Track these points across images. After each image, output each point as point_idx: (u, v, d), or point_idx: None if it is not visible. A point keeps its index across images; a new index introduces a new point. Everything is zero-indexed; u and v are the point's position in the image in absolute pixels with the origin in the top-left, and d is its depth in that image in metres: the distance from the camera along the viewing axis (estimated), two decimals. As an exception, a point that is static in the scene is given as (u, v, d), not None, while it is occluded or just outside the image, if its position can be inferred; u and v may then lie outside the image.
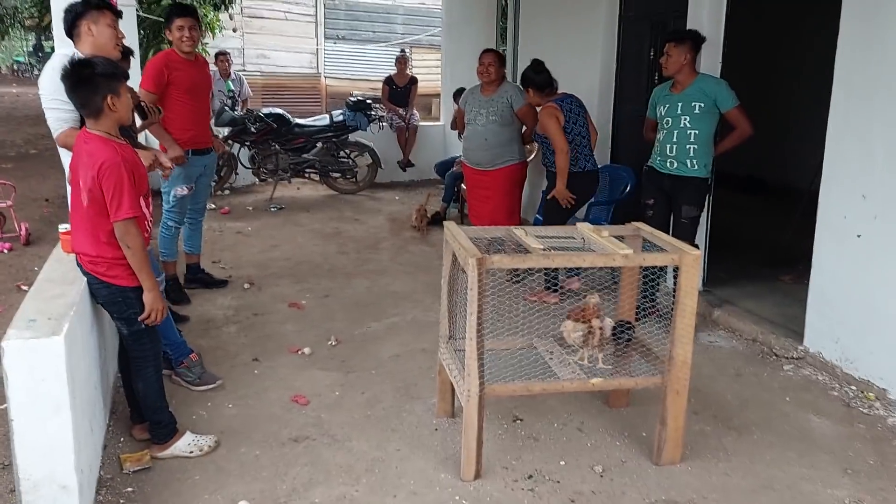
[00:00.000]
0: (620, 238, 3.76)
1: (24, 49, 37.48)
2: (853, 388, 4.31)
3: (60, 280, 3.44)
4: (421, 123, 11.03)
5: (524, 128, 6.13)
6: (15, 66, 37.79)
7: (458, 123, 6.49)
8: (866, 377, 4.26)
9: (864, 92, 4.18)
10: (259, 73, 18.93)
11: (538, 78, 5.79)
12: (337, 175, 9.68)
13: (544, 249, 3.34)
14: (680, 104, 4.94)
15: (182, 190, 5.31)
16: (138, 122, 4.73)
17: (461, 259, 3.28)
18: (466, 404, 3.26)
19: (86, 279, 3.35)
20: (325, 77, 19.91)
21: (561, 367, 3.55)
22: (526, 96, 5.95)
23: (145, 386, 3.49)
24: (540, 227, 3.91)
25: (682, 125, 4.93)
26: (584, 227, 3.71)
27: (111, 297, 3.34)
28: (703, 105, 4.86)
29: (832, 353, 4.49)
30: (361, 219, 8.54)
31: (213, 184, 9.32)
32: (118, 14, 4.13)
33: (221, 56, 10.29)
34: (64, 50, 4.03)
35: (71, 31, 3.97)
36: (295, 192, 10.00)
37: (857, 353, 4.33)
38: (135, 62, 6.26)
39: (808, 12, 8.81)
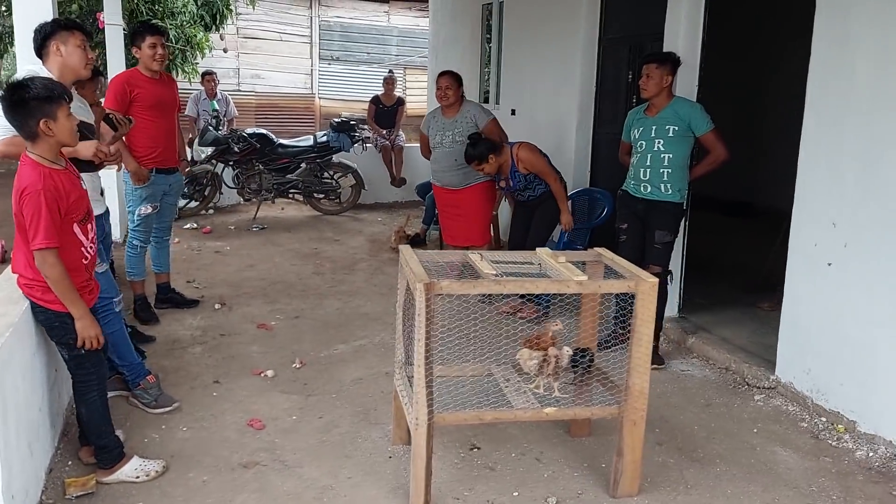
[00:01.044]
0: (581, 264, 3.69)
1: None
2: (823, 419, 4.21)
3: (5, 300, 3.37)
4: (408, 145, 10.99)
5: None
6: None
7: (422, 148, 6.44)
8: (836, 409, 4.17)
9: (834, 118, 4.13)
10: (253, 94, 18.93)
11: (484, 146, 5.65)
12: (320, 196, 9.64)
13: (496, 275, 3.26)
14: (654, 127, 4.87)
15: (146, 209, 5.25)
16: (107, 135, 4.65)
17: (410, 284, 3.21)
18: (415, 433, 3.17)
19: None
20: (320, 98, 19.90)
21: (516, 395, 3.46)
22: (489, 114, 6.06)
23: (88, 411, 3.40)
24: (497, 252, 3.84)
25: (655, 149, 4.86)
26: (543, 253, 3.63)
27: (48, 321, 3.27)
28: (676, 128, 4.79)
29: (803, 383, 4.39)
30: (342, 239, 8.48)
31: (197, 203, 9.29)
32: (89, 35, 4.08)
33: (208, 76, 10.26)
34: (29, 66, 3.97)
35: (40, 50, 3.91)
36: (279, 212, 9.94)
37: (828, 383, 4.24)
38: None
39: (797, 33, 8.83)
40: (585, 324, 3.70)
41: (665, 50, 5.34)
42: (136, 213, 5.26)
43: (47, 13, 4.18)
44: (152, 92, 5.25)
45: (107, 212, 4.21)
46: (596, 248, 3.76)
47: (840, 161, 4.09)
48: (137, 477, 3.44)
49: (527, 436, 3.90)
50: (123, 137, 4.89)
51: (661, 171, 4.88)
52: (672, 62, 4.93)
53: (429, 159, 6.34)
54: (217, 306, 5.87)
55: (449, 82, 5.98)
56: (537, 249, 3.72)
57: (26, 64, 4.11)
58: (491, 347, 3.93)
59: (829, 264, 4.18)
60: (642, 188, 4.97)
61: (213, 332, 5.32)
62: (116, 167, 4.71)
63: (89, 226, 3.35)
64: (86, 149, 3.72)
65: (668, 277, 4.97)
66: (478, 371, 3.81)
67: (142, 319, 5.38)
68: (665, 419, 4.20)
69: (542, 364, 3.45)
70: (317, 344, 5.18)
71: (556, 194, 5.63)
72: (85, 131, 3.90)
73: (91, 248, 3.36)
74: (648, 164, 4.92)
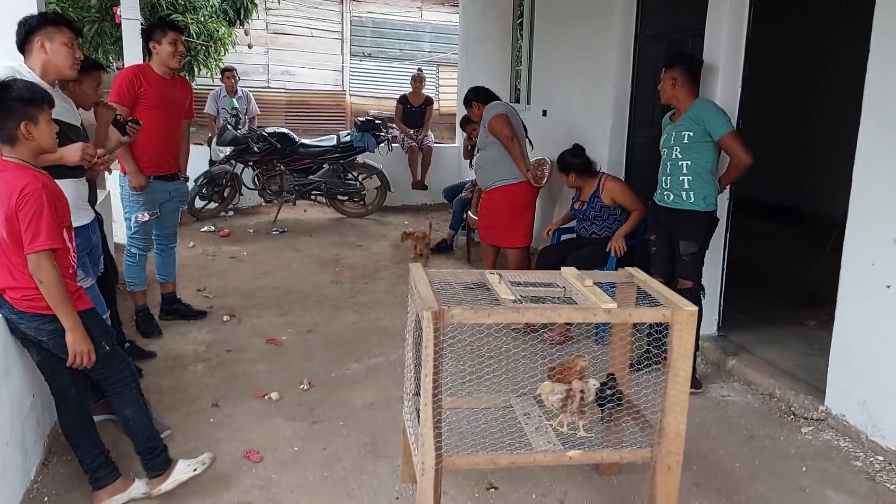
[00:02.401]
0: (611, 286, 3.32)
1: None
2: (880, 458, 3.79)
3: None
4: (436, 145, 10.65)
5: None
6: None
7: (466, 152, 6.60)
8: (895, 447, 3.74)
9: (896, 123, 3.70)
10: (283, 91, 18.71)
11: (577, 162, 5.64)
12: (344, 198, 9.31)
13: (515, 301, 2.90)
14: (673, 134, 4.51)
15: (143, 216, 4.96)
16: (114, 139, 4.36)
17: (417, 310, 2.86)
18: (420, 479, 2.83)
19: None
20: (350, 94, 19.62)
21: (536, 434, 3.10)
22: (497, 109, 6.07)
23: (134, 412, 3.22)
24: (519, 273, 3.46)
25: (673, 156, 4.50)
26: (569, 274, 3.26)
27: (59, 330, 2.97)
28: (692, 134, 4.40)
29: (857, 416, 3.97)
30: (364, 244, 8.15)
31: (216, 205, 9.03)
32: (78, 32, 3.78)
33: (228, 72, 9.97)
34: (9, 63, 3.67)
35: (23, 45, 3.62)
36: (301, 214, 9.64)
37: (885, 418, 3.82)
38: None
39: (853, 23, 8.35)
40: (616, 355, 3.32)
41: (705, 50, 4.95)
42: (133, 219, 4.97)
43: (32, 6, 3.88)
44: (161, 91, 4.96)
45: (94, 221, 3.91)
46: (627, 269, 3.38)
47: (904, 171, 3.67)
48: (195, 469, 3.31)
49: (549, 473, 3.53)
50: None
51: (681, 178, 4.51)
52: (685, 63, 4.54)
53: (470, 165, 7.09)
54: (226, 318, 5.57)
55: (469, 98, 6.42)
56: (563, 269, 3.35)
57: (5, 59, 3.82)
58: (511, 375, 3.57)
59: (889, 287, 3.75)
60: (665, 196, 4.63)
61: (218, 348, 5.01)
62: (105, 171, 4.36)
63: (72, 233, 3.12)
64: (71, 153, 3.44)
65: (701, 293, 4.58)
66: (495, 403, 3.45)
67: (143, 332, 5.09)
68: (703, 454, 3.80)
69: (565, 399, 3.09)
70: (328, 362, 4.85)
71: (630, 223, 5.39)
72: (69, 134, 3.62)
73: (74, 257, 3.14)
74: (668, 171, 4.57)
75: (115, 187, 5.92)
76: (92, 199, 4.13)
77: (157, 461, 3.26)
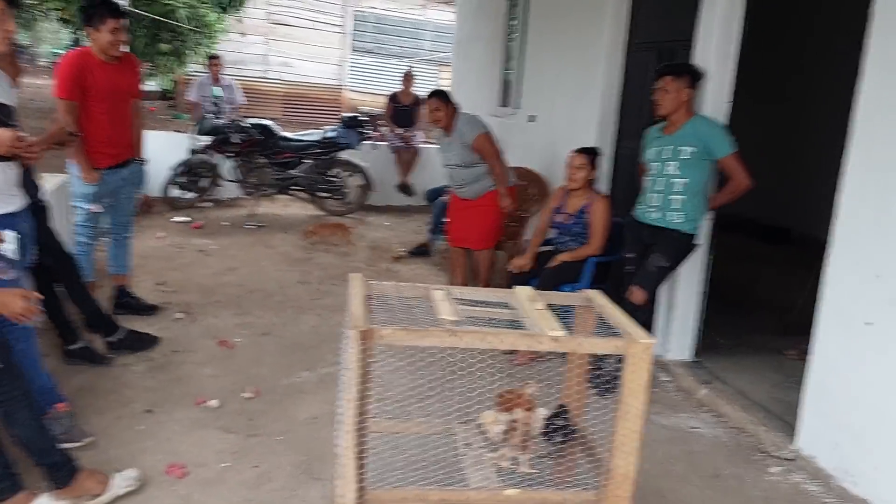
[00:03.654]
0: (569, 308, 3.06)
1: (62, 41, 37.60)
2: (850, 507, 3.54)
3: None
4: (425, 146, 10.39)
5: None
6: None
7: None
8: (866, 496, 3.49)
9: (886, 153, 3.43)
10: (281, 82, 18.47)
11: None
12: (325, 195, 9.04)
13: (454, 322, 2.65)
14: (669, 148, 4.26)
15: (94, 207, 4.71)
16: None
17: (345, 328, 2.61)
18: (340, 514, 2.57)
19: None
20: (349, 90, 19.37)
21: (474, 468, 2.84)
22: (479, 128, 5.58)
23: (23, 432, 2.97)
24: (469, 289, 3.21)
25: (668, 171, 4.25)
26: (522, 294, 3.00)
27: None
28: (693, 150, 4.17)
29: (828, 459, 3.72)
30: (340, 244, 7.88)
31: (193, 195, 8.77)
32: (12, 3, 3.50)
33: (214, 59, 9.71)
34: None
35: None
36: (281, 209, 9.36)
37: (858, 464, 3.56)
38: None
39: (848, 46, 8.10)
40: (570, 384, 3.06)
41: (695, 60, 4.70)
42: (81, 210, 4.71)
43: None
44: (108, 79, 4.66)
45: (25, 210, 3.63)
46: (586, 292, 3.13)
47: (892, 204, 3.41)
48: (129, 486, 3.15)
49: (493, 506, 3.27)
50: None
51: (672, 196, 4.28)
52: (691, 74, 4.31)
53: None
54: (179, 315, 5.30)
55: (437, 104, 5.61)
56: (517, 289, 3.09)
57: None
58: (462, 397, 3.31)
59: (869, 323, 3.50)
60: (650, 214, 4.38)
61: (164, 348, 4.74)
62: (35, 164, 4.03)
63: None
64: (6, 138, 3.18)
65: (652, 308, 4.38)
66: (435, 429, 3.20)
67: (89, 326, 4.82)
68: (662, 493, 3.54)
69: (508, 431, 2.84)
70: (279, 368, 4.59)
71: (583, 255, 5.05)
72: (2, 117, 3.36)
73: None
74: (659, 188, 4.32)
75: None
76: (29, 185, 3.85)
77: (59, 475, 3.01)
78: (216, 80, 9.59)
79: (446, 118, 5.61)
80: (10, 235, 3.22)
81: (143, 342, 4.61)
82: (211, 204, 9.13)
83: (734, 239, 4.95)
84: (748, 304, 6.28)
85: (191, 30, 10.78)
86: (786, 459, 3.92)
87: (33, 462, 3.04)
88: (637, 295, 4.29)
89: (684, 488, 3.64)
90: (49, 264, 4.05)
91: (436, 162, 10.19)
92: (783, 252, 8.29)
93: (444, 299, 2.90)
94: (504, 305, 3.04)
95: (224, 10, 11.58)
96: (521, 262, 5.14)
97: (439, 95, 5.68)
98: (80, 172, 4.64)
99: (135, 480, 3.19)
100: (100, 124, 4.60)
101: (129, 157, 4.90)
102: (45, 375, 3.55)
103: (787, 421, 4.15)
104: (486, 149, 5.57)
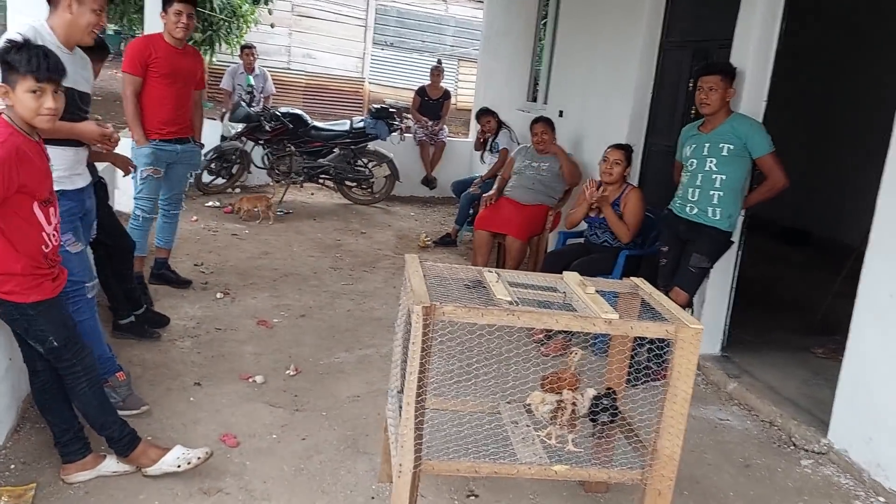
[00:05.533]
0: (614, 295, 3.17)
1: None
2: (881, 499, 3.62)
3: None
4: (450, 139, 10.49)
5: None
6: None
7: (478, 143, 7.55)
8: (898, 489, 3.59)
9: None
10: (303, 73, 18.57)
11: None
12: (352, 184, 9.15)
13: (510, 302, 2.75)
14: (707, 145, 4.35)
15: (147, 170, 4.94)
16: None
17: (408, 304, 2.72)
18: (397, 480, 2.68)
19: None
20: (370, 83, 19.47)
21: (522, 444, 2.95)
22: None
23: (81, 404, 3.10)
24: (518, 273, 3.31)
25: (707, 168, 4.33)
26: (571, 279, 3.11)
27: (8, 315, 2.91)
28: (732, 147, 4.26)
29: (861, 453, 3.80)
30: (368, 232, 8.00)
31: (224, 181, 8.90)
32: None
33: (247, 49, 9.84)
34: (31, 21, 3.52)
35: None
36: (308, 197, 9.49)
37: (891, 458, 3.65)
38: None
39: (879, 46, 8.16)
40: (613, 368, 3.16)
41: (732, 59, 4.78)
42: (139, 175, 4.93)
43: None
44: (171, 61, 5.00)
45: (90, 186, 3.76)
46: (633, 279, 3.23)
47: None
48: (179, 466, 3.16)
49: (533, 486, 3.38)
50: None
51: (712, 193, 4.37)
52: (733, 74, 4.41)
53: (482, 158, 8.18)
54: (219, 295, 5.43)
55: (544, 128, 6.48)
56: (565, 274, 3.20)
57: (18, 14, 3.68)
58: (503, 379, 3.42)
59: (906, 320, 3.59)
60: (688, 209, 4.47)
61: (208, 325, 4.87)
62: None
63: (52, 209, 2.94)
64: (89, 134, 3.44)
65: (690, 309, 4.47)
66: (483, 408, 3.30)
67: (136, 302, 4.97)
68: (696, 480, 3.65)
69: (556, 411, 2.94)
70: (318, 349, 4.71)
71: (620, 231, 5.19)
72: (79, 102, 3.51)
73: (54, 235, 2.95)
74: (698, 184, 4.41)
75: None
76: (91, 165, 4.00)
77: (120, 445, 3.13)
78: (251, 70, 9.72)
79: (549, 141, 6.50)
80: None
81: (144, 333, 4.60)
82: (239, 190, 9.25)
83: (755, 240, 5.03)
84: (772, 303, 6.35)
85: (223, 19, 10.89)
86: (817, 453, 4.01)
87: (95, 430, 3.16)
88: (681, 297, 4.38)
89: (717, 475, 3.74)
90: (105, 240, 4.19)
91: (460, 156, 10.38)
92: (804, 254, 8.36)
93: (497, 281, 3.00)
94: (553, 290, 3.14)
95: (256, 1, 11.69)
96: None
97: (546, 121, 6.56)
98: (134, 136, 4.94)
99: (186, 461, 3.20)
100: (160, 101, 4.96)
101: (186, 136, 5.18)
102: (105, 346, 3.68)
103: (817, 416, 4.24)
104: (577, 177, 6.48)
